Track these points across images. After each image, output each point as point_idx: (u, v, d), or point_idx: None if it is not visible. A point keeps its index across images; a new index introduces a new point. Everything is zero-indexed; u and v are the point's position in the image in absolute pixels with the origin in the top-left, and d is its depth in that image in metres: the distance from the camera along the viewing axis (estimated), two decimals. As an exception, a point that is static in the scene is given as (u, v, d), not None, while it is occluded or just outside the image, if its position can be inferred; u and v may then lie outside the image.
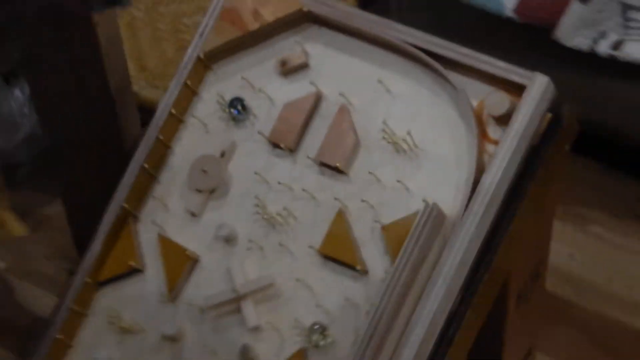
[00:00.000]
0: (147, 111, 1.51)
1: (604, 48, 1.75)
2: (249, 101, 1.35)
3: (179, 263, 1.32)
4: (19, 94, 1.82)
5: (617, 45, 1.74)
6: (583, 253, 1.88)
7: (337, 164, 1.29)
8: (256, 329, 1.28)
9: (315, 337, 1.25)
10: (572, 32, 1.76)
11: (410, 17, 1.65)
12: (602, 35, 1.75)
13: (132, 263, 1.34)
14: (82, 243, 1.60)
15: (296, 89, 1.34)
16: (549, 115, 1.28)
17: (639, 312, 1.84)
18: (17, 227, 1.01)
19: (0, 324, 1.31)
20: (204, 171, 1.33)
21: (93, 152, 1.49)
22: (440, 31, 1.31)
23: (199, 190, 1.34)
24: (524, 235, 1.32)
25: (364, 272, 1.26)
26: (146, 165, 1.35)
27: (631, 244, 1.91)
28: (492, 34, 1.61)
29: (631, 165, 1.94)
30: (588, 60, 1.75)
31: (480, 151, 1.25)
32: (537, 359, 1.75)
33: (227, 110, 1.35)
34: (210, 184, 1.33)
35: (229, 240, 1.32)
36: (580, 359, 1.79)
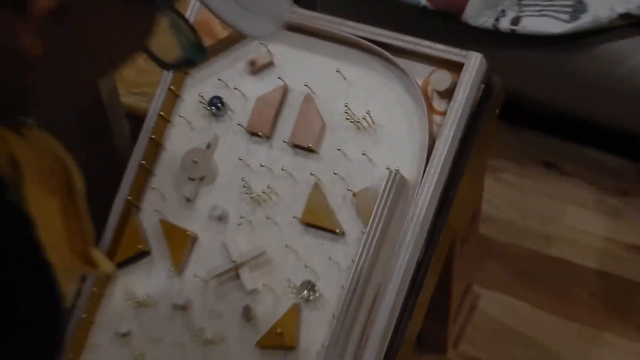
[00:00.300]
0: (129, 116, 1.51)
1: (504, 24, 1.77)
2: (226, 98, 1.35)
3: (181, 242, 1.32)
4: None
5: (515, 21, 1.77)
6: (499, 197, 1.90)
7: (309, 145, 1.30)
8: (254, 292, 1.29)
9: (305, 293, 1.27)
10: (477, 13, 1.78)
11: (328, 10, 1.64)
12: (502, 13, 1.77)
13: (141, 246, 1.33)
14: None
15: (266, 85, 1.34)
16: (482, 86, 1.30)
17: (550, 243, 1.87)
18: (108, 265, 1.01)
19: None
20: (194, 162, 1.33)
21: (89, 152, 1.48)
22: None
23: (191, 179, 1.33)
24: (468, 189, 1.34)
25: (342, 234, 1.27)
26: (143, 162, 1.34)
27: (538, 186, 1.94)
28: (410, 22, 1.62)
29: (533, 123, 1.97)
30: (493, 36, 1.77)
31: (430, 122, 1.27)
32: (474, 291, 1.78)
33: (208, 108, 1.35)
34: (200, 172, 1.33)
35: (222, 218, 1.32)
36: (505, 286, 1.81)
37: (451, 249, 1.41)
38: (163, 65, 0.94)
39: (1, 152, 0.80)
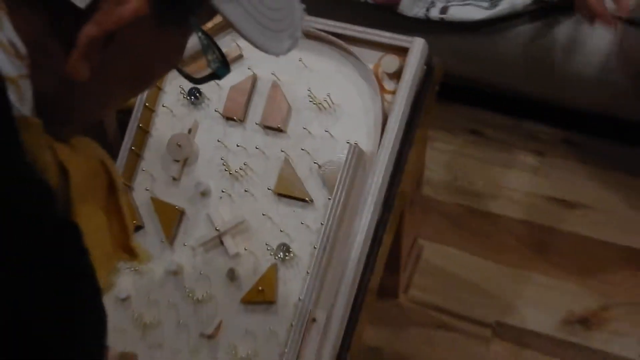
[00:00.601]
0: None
1: (434, 14, 1.76)
2: (203, 89, 1.32)
3: (170, 216, 1.30)
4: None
5: (443, 11, 1.75)
6: (434, 162, 1.89)
7: (278, 125, 1.28)
8: (236, 256, 1.27)
9: (281, 254, 1.25)
10: (410, 5, 1.76)
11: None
12: (432, 4, 1.76)
13: (135, 222, 1.30)
14: None
15: (237, 75, 1.32)
16: (425, 67, 1.28)
17: (480, 199, 1.87)
18: (147, 254, 0.99)
19: None
20: (178, 145, 1.30)
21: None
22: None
23: (176, 160, 1.31)
24: (415, 157, 1.33)
25: (311, 201, 1.26)
26: (133, 148, 1.31)
27: (467, 151, 1.94)
28: (359, 16, 1.59)
29: (460, 96, 1.96)
30: (427, 24, 1.76)
31: (382, 100, 1.26)
32: (419, 243, 1.77)
33: (187, 97, 1.32)
34: (184, 154, 1.31)
35: (205, 193, 1.30)
36: (445, 238, 1.81)
37: (402, 209, 1.40)
38: (191, 79, 0.92)
39: (52, 162, 0.77)
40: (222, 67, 0.88)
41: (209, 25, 0.91)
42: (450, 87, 1.84)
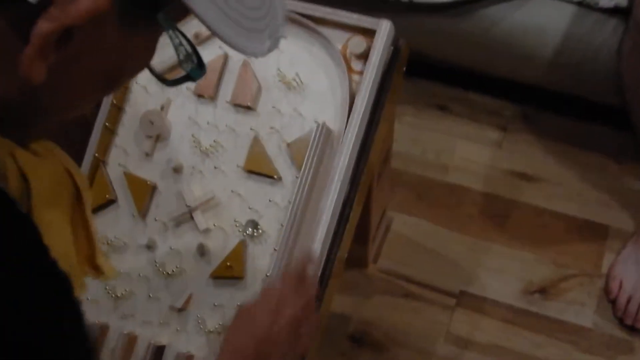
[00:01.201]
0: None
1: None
2: (175, 67, 1.22)
3: (143, 191, 1.20)
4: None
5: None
6: (402, 137, 1.80)
7: (248, 104, 1.19)
8: (206, 231, 1.18)
9: (250, 230, 1.16)
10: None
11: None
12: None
13: (108, 196, 1.20)
14: None
15: (209, 53, 1.21)
16: (392, 48, 1.18)
17: (445, 171, 1.79)
18: (113, 271, 0.88)
19: None
20: (151, 122, 1.20)
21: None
22: None
23: (149, 136, 1.21)
24: (383, 133, 1.23)
25: (279, 179, 1.17)
26: (107, 124, 1.21)
27: (433, 125, 1.85)
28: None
29: (427, 73, 1.87)
30: (396, 6, 1.66)
31: (349, 81, 1.16)
32: (388, 215, 1.69)
33: (160, 75, 1.22)
34: (156, 130, 1.20)
35: (177, 169, 1.20)
36: (412, 209, 1.73)
37: (370, 184, 1.30)
38: (164, 81, 0.80)
39: (13, 169, 0.67)
40: (196, 68, 0.76)
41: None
42: (418, 63, 1.76)
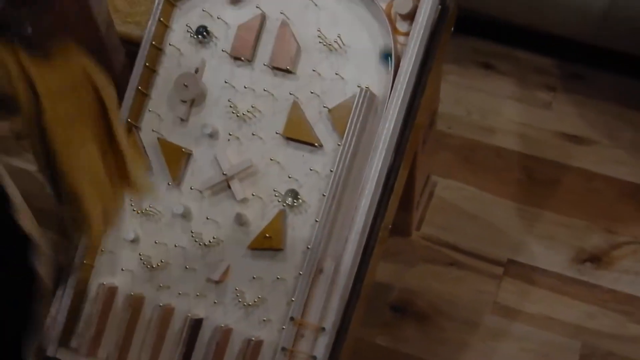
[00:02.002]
0: (124, 41, 1.33)
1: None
2: (211, 27, 1.17)
3: (177, 158, 1.16)
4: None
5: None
6: (446, 96, 1.74)
7: (287, 66, 1.14)
8: (244, 200, 1.14)
9: (289, 200, 1.12)
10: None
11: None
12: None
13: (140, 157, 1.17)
14: None
15: (245, 13, 1.16)
16: (439, 7, 1.12)
17: (491, 133, 1.72)
18: (148, 185, 0.83)
19: (39, 213, 1.15)
20: (185, 85, 1.16)
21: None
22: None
23: (183, 101, 1.16)
24: (429, 97, 1.17)
25: (320, 146, 1.12)
26: (140, 87, 1.17)
27: (479, 85, 1.79)
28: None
29: (472, 30, 1.80)
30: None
31: (394, 42, 1.10)
32: (431, 180, 1.64)
33: (194, 36, 1.17)
34: (191, 94, 1.16)
35: (212, 135, 1.15)
36: (456, 174, 1.68)
37: (415, 151, 1.25)
38: None
39: (16, 74, 0.60)
40: None
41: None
42: (461, 18, 1.70)
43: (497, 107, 1.76)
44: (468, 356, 1.45)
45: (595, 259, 1.54)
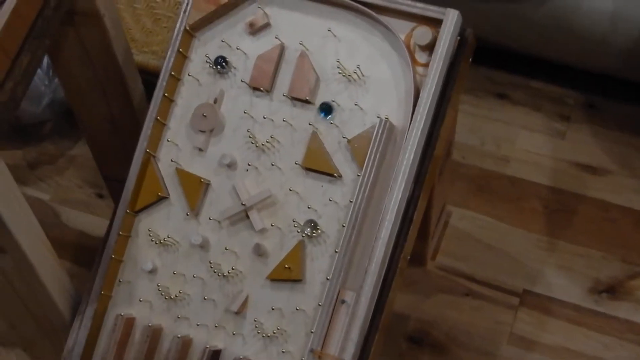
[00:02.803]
0: (140, 71, 1.35)
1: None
2: (230, 57, 1.18)
3: (196, 188, 1.16)
4: (39, 71, 1.63)
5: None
6: (461, 126, 1.75)
7: (306, 97, 1.14)
8: (263, 231, 1.14)
9: (308, 230, 1.12)
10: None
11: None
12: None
13: (160, 193, 1.17)
14: (106, 172, 1.48)
15: (264, 44, 1.17)
16: (458, 38, 1.13)
17: (506, 163, 1.73)
18: None
19: (53, 242, 1.16)
20: (204, 115, 1.16)
21: (110, 109, 1.32)
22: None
23: (202, 131, 1.17)
24: (447, 128, 1.18)
25: (339, 176, 1.12)
26: (158, 117, 1.17)
27: (493, 114, 1.79)
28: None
29: (486, 60, 1.81)
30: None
31: (414, 73, 1.11)
32: (446, 209, 1.64)
33: (213, 66, 1.18)
34: (209, 125, 1.17)
35: (231, 165, 1.16)
36: (471, 203, 1.68)
37: (433, 182, 1.26)
38: None
39: None
40: None
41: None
42: (476, 49, 1.71)
43: (511, 136, 1.76)
44: (485, 387, 1.45)
45: (612, 290, 1.54)
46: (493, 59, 1.82)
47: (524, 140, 1.75)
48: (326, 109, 1.13)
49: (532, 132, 1.76)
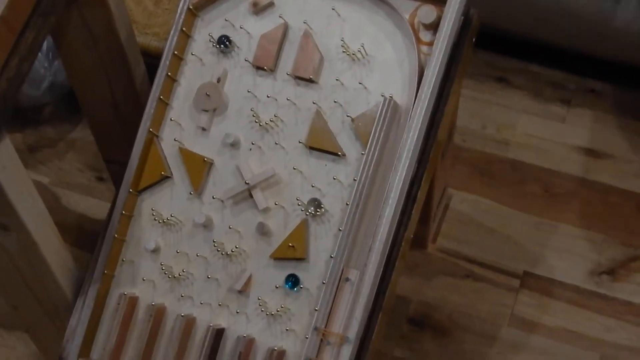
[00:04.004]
0: (142, 53, 1.34)
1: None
2: (233, 37, 1.18)
3: (199, 167, 1.16)
4: (39, 54, 1.63)
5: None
6: (461, 110, 1.74)
7: (310, 76, 1.15)
8: (266, 210, 1.14)
9: (312, 209, 1.12)
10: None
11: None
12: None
13: (163, 172, 1.17)
14: (108, 155, 1.47)
15: (268, 23, 1.17)
16: (462, 18, 1.13)
17: (506, 146, 1.73)
18: None
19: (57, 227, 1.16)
20: (207, 95, 1.17)
21: (113, 91, 1.32)
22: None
23: (205, 110, 1.17)
24: (450, 109, 1.18)
25: (343, 155, 1.13)
26: (161, 97, 1.17)
27: (494, 98, 1.80)
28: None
29: (483, 42, 1.81)
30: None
31: (418, 52, 1.11)
32: (447, 192, 1.64)
33: (216, 46, 1.18)
34: (213, 104, 1.17)
35: (234, 145, 1.16)
36: (472, 186, 1.68)
37: (435, 162, 1.26)
38: None
39: None
40: None
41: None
42: (478, 34, 1.70)
43: (512, 120, 1.77)
44: (486, 369, 1.45)
45: (612, 272, 1.54)
46: (494, 43, 1.81)
47: (525, 124, 1.76)
48: (293, 281, 1.13)
49: (533, 116, 1.76)
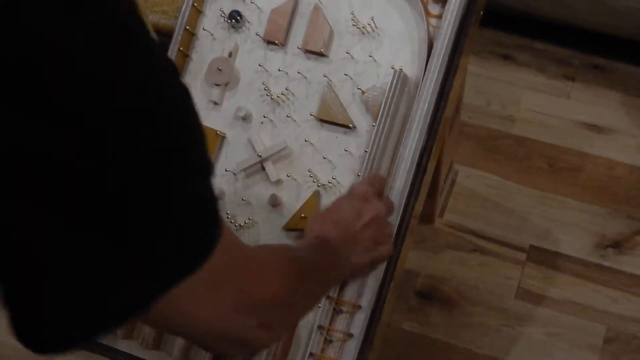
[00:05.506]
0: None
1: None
2: (244, 11, 1.19)
3: (211, 141, 1.18)
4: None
5: None
6: (467, 87, 1.76)
7: (320, 49, 1.16)
8: (278, 182, 1.16)
9: (324, 180, 1.13)
10: None
11: None
12: None
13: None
14: None
15: (278, -3, 1.19)
16: (470, -9, 1.15)
17: (511, 123, 1.75)
18: None
19: None
20: (219, 69, 1.18)
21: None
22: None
23: (217, 84, 1.19)
24: (458, 82, 1.20)
25: (354, 128, 1.14)
26: (173, 72, 1.19)
27: (498, 75, 1.82)
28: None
29: (490, 20, 1.83)
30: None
31: (427, 25, 1.13)
32: (453, 168, 1.66)
33: (228, 20, 1.19)
34: (224, 78, 1.18)
35: (246, 118, 1.18)
36: (477, 162, 1.70)
37: (444, 135, 1.28)
38: None
39: None
40: None
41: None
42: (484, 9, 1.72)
43: (516, 97, 1.79)
44: (494, 340, 1.47)
45: (617, 245, 1.57)
46: (498, 20, 1.83)
47: (529, 100, 1.78)
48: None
49: (537, 93, 1.78)
